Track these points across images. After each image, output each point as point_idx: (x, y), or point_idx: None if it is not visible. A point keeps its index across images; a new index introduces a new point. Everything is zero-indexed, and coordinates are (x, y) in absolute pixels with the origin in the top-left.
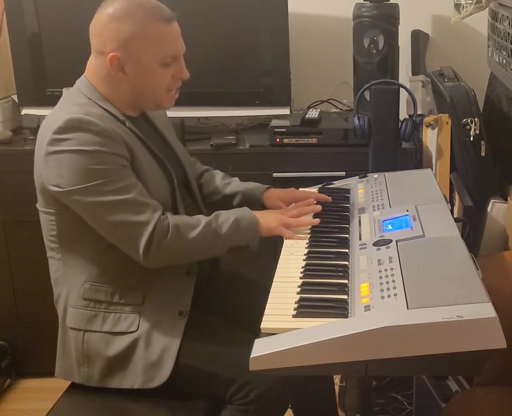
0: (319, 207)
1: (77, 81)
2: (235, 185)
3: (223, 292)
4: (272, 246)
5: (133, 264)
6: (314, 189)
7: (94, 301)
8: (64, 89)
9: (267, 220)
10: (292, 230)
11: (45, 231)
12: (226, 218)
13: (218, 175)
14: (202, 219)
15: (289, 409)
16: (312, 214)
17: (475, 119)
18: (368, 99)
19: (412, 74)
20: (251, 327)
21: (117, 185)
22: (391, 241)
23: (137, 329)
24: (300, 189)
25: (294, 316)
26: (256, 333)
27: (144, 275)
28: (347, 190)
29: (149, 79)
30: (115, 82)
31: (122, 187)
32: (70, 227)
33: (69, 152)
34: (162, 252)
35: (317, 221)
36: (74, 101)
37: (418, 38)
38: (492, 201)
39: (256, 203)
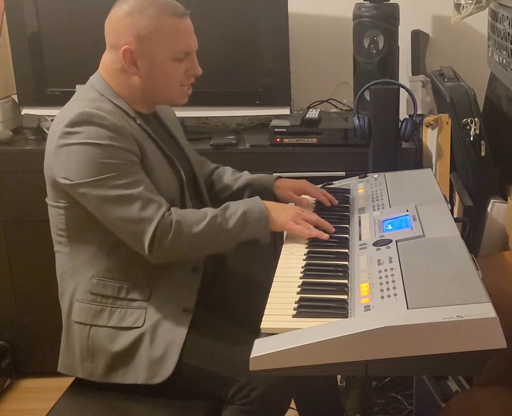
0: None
1: (90, 77)
2: (245, 178)
3: (228, 291)
4: (272, 246)
5: (141, 260)
6: None
7: (101, 296)
8: (77, 86)
9: (280, 215)
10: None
11: (54, 225)
12: (234, 210)
13: (228, 171)
14: (208, 213)
15: (289, 409)
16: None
17: (475, 119)
18: (368, 99)
19: (412, 74)
20: (254, 327)
21: (125, 180)
22: (391, 241)
23: (143, 324)
24: None
25: (294, 316)
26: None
27: (151, 271)
28: (347, 190)
29: (161, 73)
30: (128, 77)
31: (129, 182)
32: (79, 222)
33: (79, 145)
34: (165, 249)
35: (326, 236)
36: (85, 96)
37: (418, 38)
38: (492, 201)
39: (266, 193)
